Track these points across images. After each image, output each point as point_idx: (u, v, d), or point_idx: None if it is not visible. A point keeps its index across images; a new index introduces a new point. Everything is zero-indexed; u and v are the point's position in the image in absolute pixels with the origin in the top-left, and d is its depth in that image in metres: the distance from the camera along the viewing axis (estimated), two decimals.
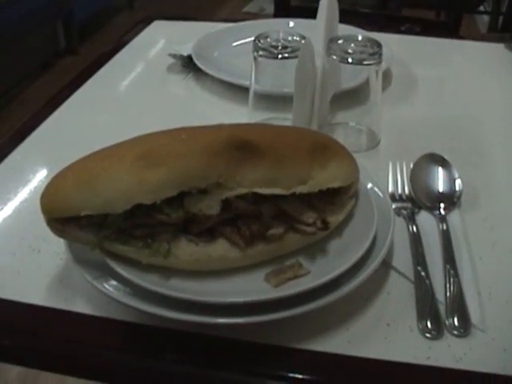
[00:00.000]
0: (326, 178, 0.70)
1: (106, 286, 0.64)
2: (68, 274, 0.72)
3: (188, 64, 1.23)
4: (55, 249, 0.74)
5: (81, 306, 0.68)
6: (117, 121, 1.06)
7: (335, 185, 0.71)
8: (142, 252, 0.65)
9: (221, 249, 0.67)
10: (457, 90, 1.19)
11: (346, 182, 0.72)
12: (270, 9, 3.28)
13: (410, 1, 3.24)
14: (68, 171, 0.66)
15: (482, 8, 3.90)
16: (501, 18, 3.52)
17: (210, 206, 0.65)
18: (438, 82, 1.21)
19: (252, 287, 0.66)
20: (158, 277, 0.65)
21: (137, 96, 1.18)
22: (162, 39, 1.43)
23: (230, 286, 0.66)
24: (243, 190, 0.66)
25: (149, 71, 1.29)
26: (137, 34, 1.45)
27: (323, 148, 0.73)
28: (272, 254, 0.69)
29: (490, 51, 1.37)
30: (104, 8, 4.35)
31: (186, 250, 0.66)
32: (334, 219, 0.71)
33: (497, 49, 1.37)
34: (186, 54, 1.25)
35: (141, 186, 0.63)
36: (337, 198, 0.73)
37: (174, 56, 1.26)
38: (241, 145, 0.66)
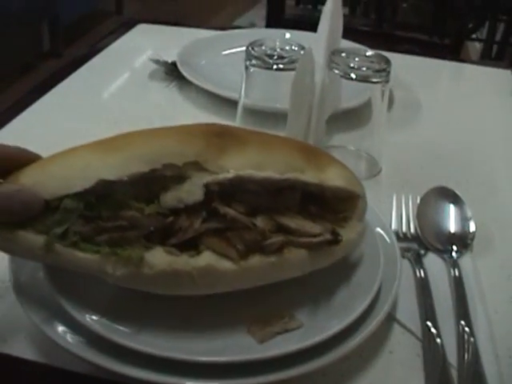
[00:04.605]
0: (325, 176, 0.58)
1: (54, 328, 0.53)
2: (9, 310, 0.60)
3: (172, 71, 1.13)
4: None
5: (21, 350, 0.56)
6: (86, 130, 0.93)
7: (338, 183, 0.58)
8: (108, 261, 0.51)
9: (208, 259, 0.53)
10: (464, 117, 1.09)
11: (349, 185, 0.60)
12: (261, 25, 3.18)
13: (403, 23, 3.18)
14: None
15: (474, 36, 3.85)
16: (495, 47, 3.46)
17: (191, 193, 0.53)
18: (444, 108, 1.11)
19: (232, 341, 0.54)
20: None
21: (111, 103, 1.07)
22: (145, 44, 1.32)
23: (206, 340, 0.54)
24: (228, 175, 0.54)
25: (127, 77, 1.18)
26: (118, 37, 1.34)
27: (318, 155, 0.62)
28: (271, 271, 0.55)
29: (496, 77, 1.28)
30: (91, 12, 4.25)
31: (164, 260, 0.52)
32: (346, 234, 0.58)
33: (503, 75, 1.28)
34: (170, 60, 1.15)
35: (104, 160, 0.52)
36: (344, 219, 0.60)
37: (156, 62, 1.16)
38: (221, 132, 0.57)
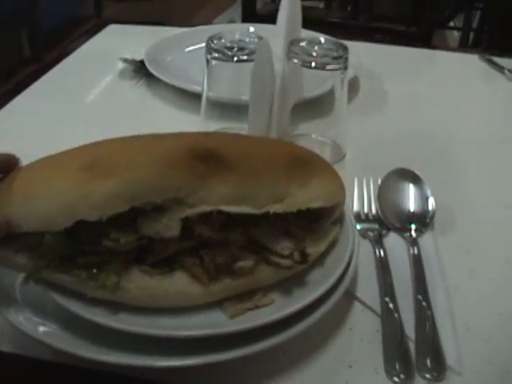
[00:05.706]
0: (305, 196, 0.60)
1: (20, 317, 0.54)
2: None
3: (140, 69, 1.15)
4: None
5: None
6: (58, 130, 0.96)
7: (316, 205, 0.60)
8: (85, 286, 0.54)
9: (179, 283, 0.56)
10: (429, 102, 1.11)
11: (329, 202, 0.62)
12: (240, 22, 3.22)
13: (381, 14, 3.20)
14: (1, 184, 0.56)
15: (451, 24, 3.86)
16: (471, 35, 3.48)
17: (169, 227, 0.54)
18: (410, 94, 1.13)
19: (205, 318, 0.56)
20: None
21: (83, 103, 1.08)
22: (115, 44, 1.32)
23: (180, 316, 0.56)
24: (207, 208, 0.55)
25: (98, 77, 1.19)
26: (89, 38, 1.35)
27: (304, 163, 0.63)
28: (239, 290, 0.58)
29: (463, 62, 1.30)
30: (71, 18, 4.24)
31: (139, 284, 0.55)
32: (315, 250, 0.61)
33: (471, 60, 1.30)
34: (138, 58, 1.16)
35: (85, 198, 0.53)
36: (319, 225, 0.63)
37: (125, 60, 1.17)
38: (205, 155, 0.56)
